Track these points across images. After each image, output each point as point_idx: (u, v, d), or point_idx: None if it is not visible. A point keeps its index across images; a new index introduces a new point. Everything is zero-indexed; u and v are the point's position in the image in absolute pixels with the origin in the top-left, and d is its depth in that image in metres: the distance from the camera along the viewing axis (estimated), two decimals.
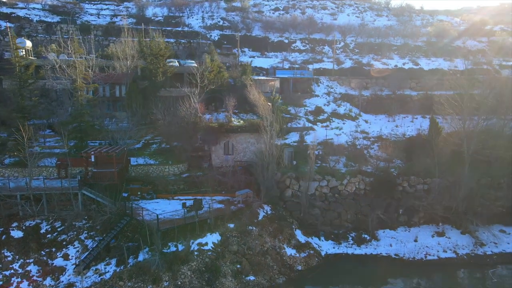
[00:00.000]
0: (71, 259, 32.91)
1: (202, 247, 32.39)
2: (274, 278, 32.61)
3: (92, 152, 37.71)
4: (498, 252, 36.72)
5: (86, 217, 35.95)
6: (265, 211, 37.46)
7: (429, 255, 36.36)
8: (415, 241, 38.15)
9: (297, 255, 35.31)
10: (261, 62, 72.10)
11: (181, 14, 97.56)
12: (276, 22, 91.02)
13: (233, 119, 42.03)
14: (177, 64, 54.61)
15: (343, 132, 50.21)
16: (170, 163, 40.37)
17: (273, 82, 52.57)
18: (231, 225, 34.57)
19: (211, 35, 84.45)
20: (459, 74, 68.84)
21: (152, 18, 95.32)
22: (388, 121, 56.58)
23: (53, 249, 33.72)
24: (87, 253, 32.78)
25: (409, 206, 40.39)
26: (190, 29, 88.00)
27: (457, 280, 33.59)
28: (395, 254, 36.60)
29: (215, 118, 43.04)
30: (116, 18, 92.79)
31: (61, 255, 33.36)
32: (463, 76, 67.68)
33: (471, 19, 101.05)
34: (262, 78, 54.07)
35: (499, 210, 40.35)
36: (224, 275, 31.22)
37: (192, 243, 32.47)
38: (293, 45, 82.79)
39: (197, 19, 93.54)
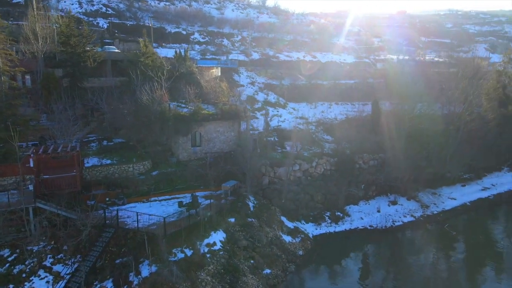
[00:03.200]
0: None
1: (212, 248, 28.68)
2: (286, 267, 31.23)
3: (32, 155, 29.15)
4: (440, 210, 43.11)
5: (44, 238, 27.64)
6: (252, 202, 35.39)
7: (396, 221, 40.28)
8: (378, 211, 41.67)
9: (294, 240, 34.56)
10: (165, 52, 67.02)
11: None
12: (166, 13, 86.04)
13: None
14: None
15: (285, 119, 51.02)
16: (134, 161, 34.11)
17: (214, 70, 49.62)
18: (232, 220, 31.58)
19: (98, 23, 74.40)
20: (348, 67, 78.22)
21: (9, 0, 78.31)
22: (311, 108, 59.84)
23: (10, 286, 24.86)
24: (64, 281, 25.32)
25: (365, 180, 43.86)
26: (67, 15, 75.76)
27: (427, 237, 38.46)
28: (370, 226, 39.35)
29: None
30: None
31: None
32: (351, 68, 77.50)
33: (332, 21, 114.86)
34: (204, 66, 50.44)
35: (428, 176, 47.31)
36: (244, 273, 28.39)
37: (200, 245, 28.43)
38: (192, 37, 79.70)
39: (73, 4, 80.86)
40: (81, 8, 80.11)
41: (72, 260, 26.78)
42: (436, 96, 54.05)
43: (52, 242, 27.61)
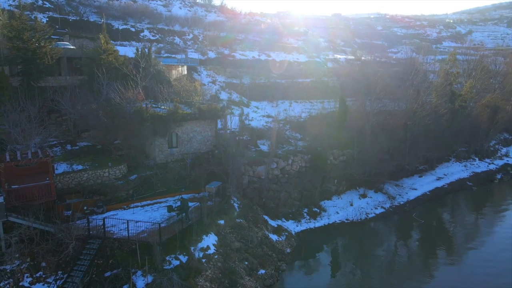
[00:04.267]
0: None
1: (206, 252, 27.51)
2: (278, 266, 30.89)
3: None
4: (406, 201, 45.51)
5: (17, 255, 24.48)
6: (236, 202, 34.51)
7: (369, 214, 41.76)
8: (351, 205, 42.89)
9: (280, 239, 34.34)
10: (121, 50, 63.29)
11: None
12: (110, 8, 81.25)
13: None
14: None
15: (253, 117, 50.57)
16: (109, 165, 31.47)
17: (180, 68, 47.51)
18: (221, 222, 30.52)
19: (35, 17, 67.88)
20: (302, 66, 79.71)
21: None
22: (272, 106, 60.03)
23: None
24: None
25: (337, 176, 44.88)
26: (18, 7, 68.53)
27: (398, 226, 40.43)
28: (346, 219, 40.39)
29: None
30: None
31: None
32: (305, 67, 79.10)
33: (278, 21, 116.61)
34: (170, 64, 47.97)
35: (391, 169, 49.66)
36: (241, 275, 27.59)
37: (194, 250, 27.08)
38: (141, 34, 76.07)
39: None
40: (13, 1, 72.70)
41: (54, 278, 24.05)
42: (389, 93, 57.06)
43: (28, 260, 24.59)
